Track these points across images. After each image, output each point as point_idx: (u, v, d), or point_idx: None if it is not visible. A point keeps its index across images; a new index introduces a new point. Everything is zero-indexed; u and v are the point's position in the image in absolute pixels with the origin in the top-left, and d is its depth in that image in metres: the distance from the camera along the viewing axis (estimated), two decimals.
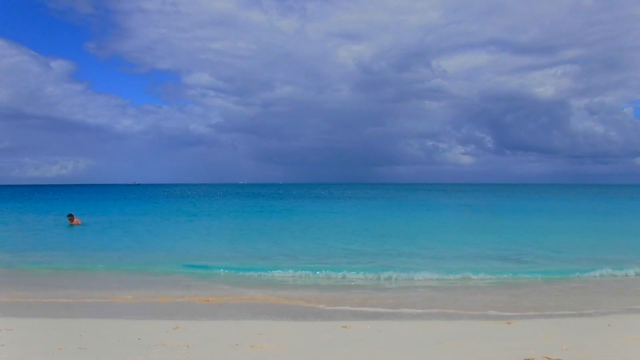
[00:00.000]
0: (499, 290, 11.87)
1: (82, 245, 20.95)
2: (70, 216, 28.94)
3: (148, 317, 9.20)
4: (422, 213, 41.53)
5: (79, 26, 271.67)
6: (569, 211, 43.65)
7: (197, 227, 29.69)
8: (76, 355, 6.52)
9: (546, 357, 6.25)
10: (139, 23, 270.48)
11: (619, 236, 23.95)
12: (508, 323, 8.47)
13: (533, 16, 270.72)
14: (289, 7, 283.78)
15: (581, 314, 9.34)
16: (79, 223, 28.62)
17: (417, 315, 9.40)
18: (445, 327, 8.29)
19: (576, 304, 10.30)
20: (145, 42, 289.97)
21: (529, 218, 35.47)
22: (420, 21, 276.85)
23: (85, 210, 42.24)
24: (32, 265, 15.45)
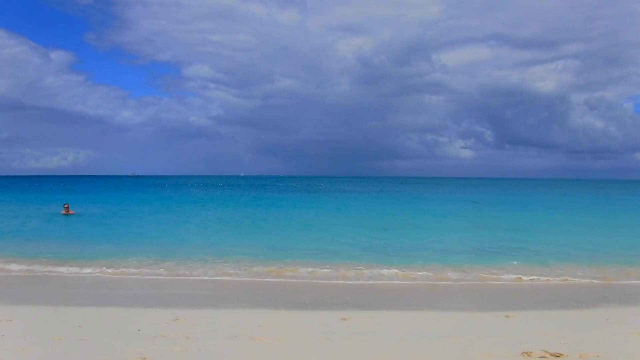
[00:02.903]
0: (498, 284, 11.90)
1: (71, 235, 21.07)
2: (66, 206, 29.79)
3: (147, 306, 9.23)
4: (421, 207, 41.53)
5: (78, 17, 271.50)
6: (569, 206, 43.69)
7: (185, 218, 29.71)
8: (76, 346, 6.53)
9: (545, 351, 6.27)
10: (138, 15, 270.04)
11: (616, 231, 23.99)
12: (507, 317, 8.49)
13: (534, 11, 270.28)
14: (289, 0, 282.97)
15: (580, 308, 9.36)
16: (72, 213, 29.39)
17: (417, 309, 9.41)
18: (445, 320, 8.30)
19: (574, 297, 10.31)
20: (145, 33, 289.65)
21: (528, 212, 35.50)
22: (420, 15, 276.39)
23: (81, 201, 42.50)
24: (23, 254, 15.51)
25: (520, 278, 12.41)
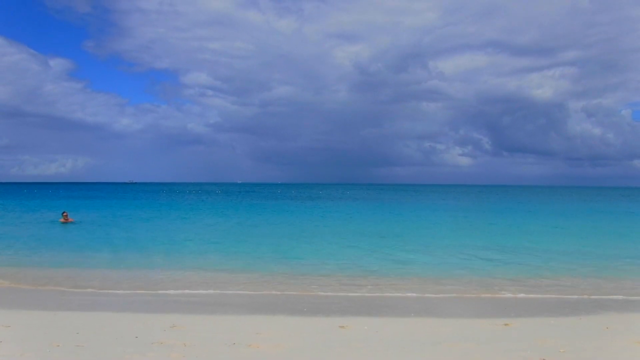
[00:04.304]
0: (496, 292, 11.88)
1: (70, 243, 20.97)
2: (65, 214, 29.64)
3: (144, 313, 9.19)
4: (419, 215, 41.55)
5: (77, 25, 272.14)
6: (566, 214, 43.70)
7: (182, 226, 29.63)
8: (73, 352, 6.50)
9: (544, 359, 6.26)
10: (137, 22, 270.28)
11: (614, 238, 23.99)
12: (506, 325, 8.47)
13: (531, 17, 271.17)
14: (286, 8, 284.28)
15: (579, 316, 9.35)
16: (71, 221, 29.28)
17: (415, 316, 9.39)
18: (443, 328, 8.28)
19: (573, 305, 10.30)
20: (143, 41, 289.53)
21: (526, 221, 35.50)
22: (417, 22, 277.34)
23: (80, 208, 42.47)
24: (21, 262, 15.47)
25: (519, 285, 12.39)
